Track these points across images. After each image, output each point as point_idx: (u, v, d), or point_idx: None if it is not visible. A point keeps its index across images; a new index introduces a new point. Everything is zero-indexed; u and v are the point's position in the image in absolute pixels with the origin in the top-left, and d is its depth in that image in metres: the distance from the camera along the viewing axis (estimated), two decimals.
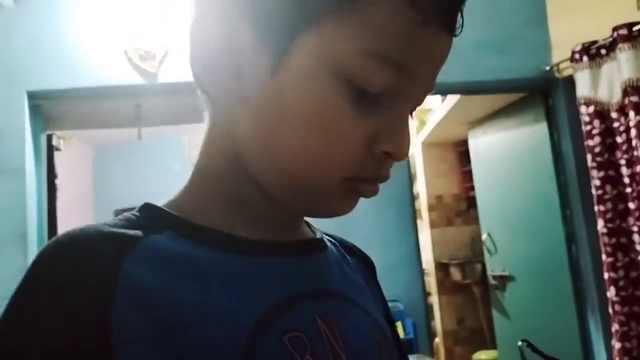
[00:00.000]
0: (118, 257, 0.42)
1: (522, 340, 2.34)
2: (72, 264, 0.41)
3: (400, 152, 0.47)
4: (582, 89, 2.53)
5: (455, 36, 0.48)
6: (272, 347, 0.43)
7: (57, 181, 2.87)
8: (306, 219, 0.59)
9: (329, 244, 0.59)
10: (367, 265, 0.65)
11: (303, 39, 0.44)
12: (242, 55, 0.46)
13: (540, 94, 2.99)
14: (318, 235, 0.59)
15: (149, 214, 0.49)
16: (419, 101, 0.51)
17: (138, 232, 0.45)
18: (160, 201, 0.51)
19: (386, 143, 0.46)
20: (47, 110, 2.69)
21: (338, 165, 0.46)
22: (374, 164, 0.47)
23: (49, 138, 2.86)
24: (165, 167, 4.62)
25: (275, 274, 0.48)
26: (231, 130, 0.50)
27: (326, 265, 0.55)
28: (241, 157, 0.49)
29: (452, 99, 3.64)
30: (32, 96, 2.53)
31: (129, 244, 0.44)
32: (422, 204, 4.95)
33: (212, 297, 0.43)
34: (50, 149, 2.86)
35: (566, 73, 2.74)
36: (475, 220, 4.26)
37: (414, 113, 0.53)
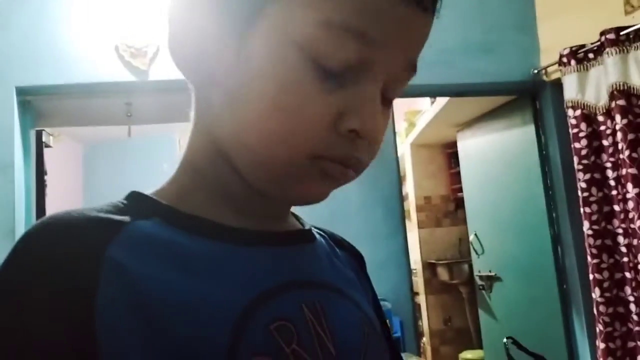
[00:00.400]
0: (103, 241, 0.41)
1: (508, 338, 2.36)
2: (55, 247, 0.40)
3: (366, 129, 0.44)
4: (570, 92, 2.56)
5: (435, 17, 0.47)
6: (259, 336, 0.42)
7: (47, 178, 2.86)
8: (294, 212, 0.58)
9: (318, 236, 0.58)
10: (357, 259, 0.64)
11: (266, 14, 0.44)
12: (210, 34, 0.46)
13: (528, 96, 3.02)
14: (307, 227, 0.58)
15: (135, 201, 0.48)
16: (396, 84, 0.48)
17: (124, 217, 0.45)
18: (148, 190, 0.50)
19: (352, 120, 0.44)
20: (36, 106, 2.67)
21: (302, 142, 0.44)
22: (342, 143, 0.45)
23: (39, 134, 2.84)
24: (155, 166, 4.61)
25: (261, 263, 0.48)
26: (208, 117, 0.49)
27: (314, 257, 0.54)
28: (219, 144, 0.48)
29: (441, 101, 3.67)
30: (22, 92, 2.52)
31: (114, 229, 0.43)
32: (411, 204, 4.99)
33: (197, 285, 0.42)
34: (40, 145, 2.84)
35: (554, 76, 2.78)
36: (462, 221, 4.29)
37: (395, 105, 0.52)
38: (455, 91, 2.97)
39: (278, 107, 0.44)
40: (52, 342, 0.37)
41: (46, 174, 2.86)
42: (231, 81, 0.46)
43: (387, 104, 0.49)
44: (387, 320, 0.65)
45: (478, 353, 4.10)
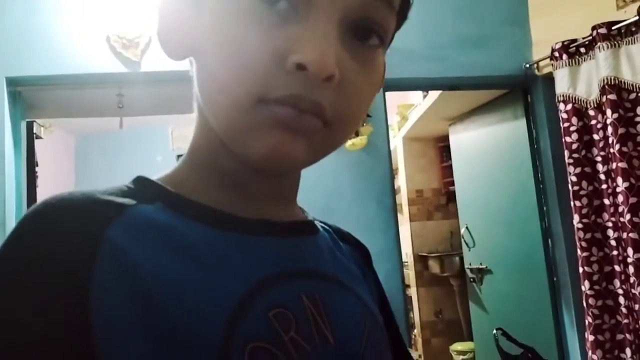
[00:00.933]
0: (102, 223, 0.41)
1: (497, 329, 2.38)
2: (54, 228, 0.40)
3: (312, 62, 0.40)
4: (561, 86, 2.57)
5: None
6: (257, 322, 0.42)
7: (38, 169, 2.84)
8: (300, 205, 0.58)
9: (321, 229, 0.58)
10: (362, 253, 0.64)
11: None
12: (190, 15, 0.47)
13: (520, 90, 3.03)
14: (310, 219, 0.58)
15: (141, 186, 0.48)
16: (367, 19, 0.45)
17: (127, 200, 0.44)
18: (154, 176, 0.50)
19: (297, 54, 0.41)
20: (27, 97, 2.65)
21: (244, 83, 0.42)
22: (288, 80, 0.41)
23: (29, 126, 2.82)
24: (148, 158, 4.61)
25: (262, 252, 0.47)
26: (198, 99, 0.49)
27: (316, 248, 0.54)
28: (211, 126, 0.48)
29: (434, 94, 3.67)
30: (12, 83, 2.50)
31: (115, 211, 0.43)
32: (403, 197, 5.00)
33: (196, 271, 0.42)
34: (31, 136, 2.83)
35: (546, 70, 2.79)
36: (454, 214, 4.31)
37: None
38: (448, 85, 2.97)
39: (222, 51, 0.43)
40: (43, 324, 0.37)
41: (37, 165, 2.84)
42: (197, 49, 0.46)
43: (362, 42, 0.45)
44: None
45: (468, 345, 4.13)
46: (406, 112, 4.61)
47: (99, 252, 0.39)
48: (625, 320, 2.34)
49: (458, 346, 4.26)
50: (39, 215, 0.41)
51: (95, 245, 0.39)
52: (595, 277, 2.43)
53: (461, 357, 4.17)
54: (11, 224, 2.40)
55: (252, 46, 0.41)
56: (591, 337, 2.42)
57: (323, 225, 0.60)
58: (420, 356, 4.71)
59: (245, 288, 0.43)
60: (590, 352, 2.43)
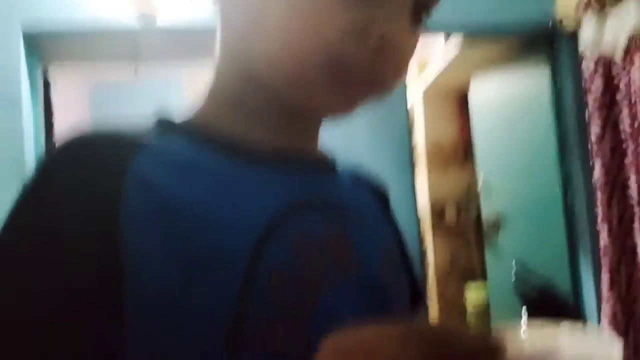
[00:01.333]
0: (128, 155, 0.43)
1: (516, 263, 2.37)
2: (82, 161, 0.42)
3: (392, 37, 0.45)
4: (587, 38, 2.50)
5: None
6: (282, 249, 0.43)
7: (54, 118, 2.85)
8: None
9: (344, 168, 0.60)
10: (381, 195, 0.65)
11: None
12: None
13: (544, 41, 2.94)
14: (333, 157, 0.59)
15: (163, 122, 0.50)
16: (415, 2, 0.48)
17: (151, 135, 0.47)
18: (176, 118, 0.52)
19: (375, 34, 0.45)
20: (43, 45, 2.65)
21: (321, 43, 0.44)
22: (363, 51, 0.45)
23: (45, 74, 2.82)
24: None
25: (286, 183, 0.49)
26: (231, 35, 0.51)
27: (339, 183, 0.56)
28: (242, 61, 0.49)
29: (454, 49, 3.60)
30: (28, 29, 2.48)
31: (140, 144, 0.44)
32: (420, 150, 4.97)
33: (222, 199, 0.44)
34: (47, 85, 2.83)
35: (572, 22, 2.70)
36: (472, 168, 4.29)
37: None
38: (469, 30, 2.91)
39: (298, 14, 0.44)
40: (73, 254, 0.39)
41: (53, 114, 2.85)
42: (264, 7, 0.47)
43: (416, 23, 0.49)
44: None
45: (481, 293, 4.16)
46: (425, 66, 4.54)
47: (125, 182, 0.41)
48: None
49: (472, 294, 4.30)
50: (67, 150, 0.44)
51: (122, 177, 0.41)
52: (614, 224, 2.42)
53: (474, 306, 4.22)
54: (30, 171, 2.42)
55: (332, 17, 0.44)
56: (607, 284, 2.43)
57: (345, 166, 0.61)
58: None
59: (270, 216, 0.45)
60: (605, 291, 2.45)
